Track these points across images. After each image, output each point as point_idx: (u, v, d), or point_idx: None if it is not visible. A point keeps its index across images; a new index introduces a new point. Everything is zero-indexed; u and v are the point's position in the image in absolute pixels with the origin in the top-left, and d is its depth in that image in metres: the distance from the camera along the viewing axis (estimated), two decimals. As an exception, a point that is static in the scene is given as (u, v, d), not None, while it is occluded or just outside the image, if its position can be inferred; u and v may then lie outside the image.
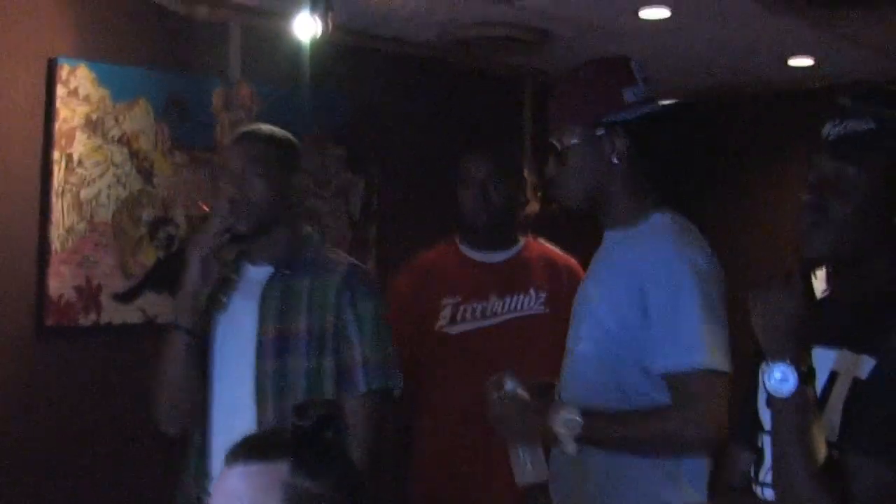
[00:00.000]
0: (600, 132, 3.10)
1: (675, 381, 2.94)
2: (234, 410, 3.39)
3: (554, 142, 3.16)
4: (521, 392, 3.17)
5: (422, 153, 5.85)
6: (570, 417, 2.99)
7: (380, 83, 5.75)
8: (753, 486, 2.49)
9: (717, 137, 7.21)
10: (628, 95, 3.12)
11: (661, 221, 3.13)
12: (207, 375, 3.44)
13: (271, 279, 3.45)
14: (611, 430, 2.99)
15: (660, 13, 5.31)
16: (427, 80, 6.03)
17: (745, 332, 2.43)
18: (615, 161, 3.10)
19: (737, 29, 5.60)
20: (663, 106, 3.19)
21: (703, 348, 2.92)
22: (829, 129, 2.39)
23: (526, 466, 3.11)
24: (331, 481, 1.84)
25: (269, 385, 3.39)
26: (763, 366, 2.29)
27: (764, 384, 2.26)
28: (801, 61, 6.33)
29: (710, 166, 7.16)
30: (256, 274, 3.49)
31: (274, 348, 3.40)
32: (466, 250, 4.13)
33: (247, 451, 1.87)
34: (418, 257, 4.27)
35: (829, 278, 2.43)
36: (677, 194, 3.32)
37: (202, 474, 3.43)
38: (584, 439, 2.97)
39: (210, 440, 3.43)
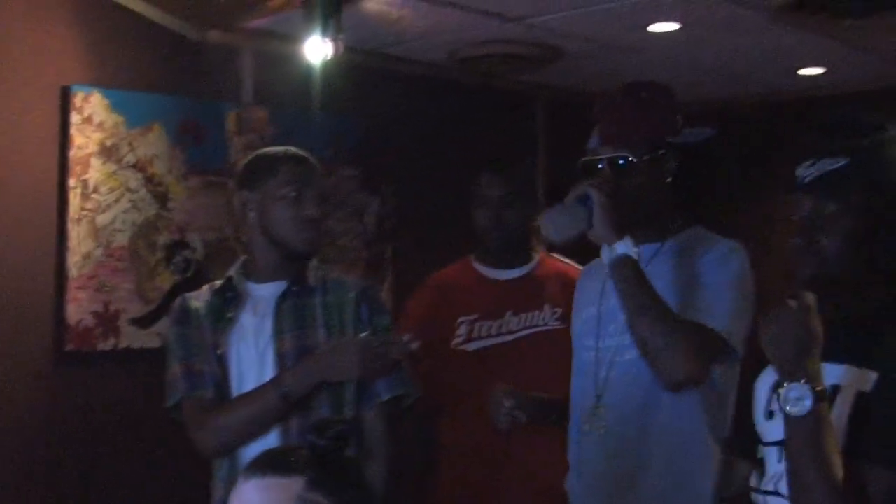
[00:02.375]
0: (662, 151, 3.23)
1: (691, 323, 3.08)
2: None
3: (614, 156, 3.21)
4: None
5: (435, 172, 5.87)
6: (629, 248, 3.08)
7: (392, 103, 5.77)
8: (753, 496, 2.53)
9: (727, 148, 7.21)
10: (679, 120, 3.29)
11: (696, 233, 3.32)
12: (228, 391, 3.47)
13: (284, 295, 3.50)
14: (647, 286, 3.07)
15: (669, 27, 5.33)
16: (439, 98, 6.05)
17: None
18: (668, 179, 3.27)
19: (746, 40, 5.61)
20: (704, 134, 3.30)
21: (726, 317, 3.09)
22: (804, 171, 2.48)
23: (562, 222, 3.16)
24: (345, 499, 1.86)
25: None
26: (766, 379, 2.36)
27: (780, 405, 2.28)
28: (812, 71, 6.33)
29: (720, 176, 7.15)
30: (263, 290, 3.54)
31: (295, 361, 3.44)
32: (481, 268, 4.14)
33: (263, 465, 1.90)
34: (433, 276, 4.28)
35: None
36: (707, 214, 3.43)
37: (234, 480, 3.46)
38: (624, 265, 3.07)
39: (240, 452, 3.46)
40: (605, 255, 3.10)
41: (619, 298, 3.09)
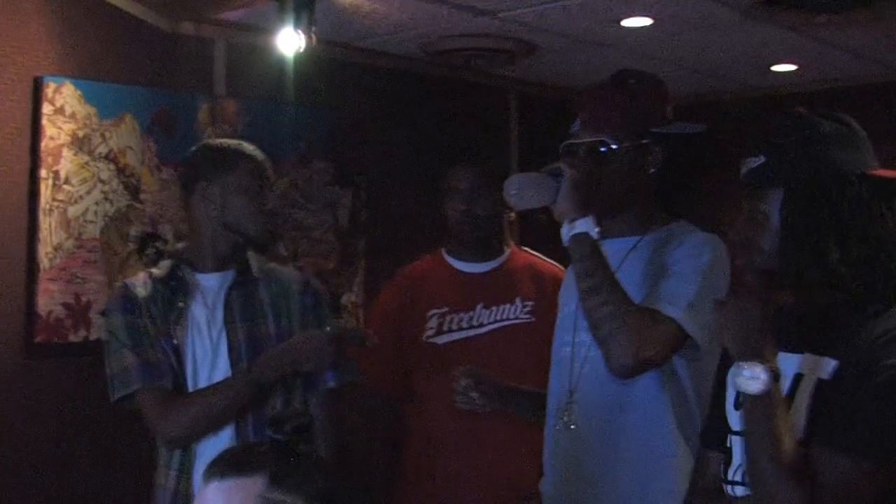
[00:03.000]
0: (646, 141, 3.18)
1: (645, 308, 3.02)
2: None
3: (594, 140, 3.19)
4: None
5: (409, 165, 5.87)
6: (590, 227, 3.02)
7: (365, 96, 5.78)
8: (724, 486, 2.55)
9: (701, 144, 7.22)
10: (668, 112, 3.25)
11: (678, 227, 3.26)
12: (183, 380, 3.50)
13: (232, 286, 3.57)
14: (604, 265, 3.00)
15: (642, 22, 5.35)
16: (412, 91, 6.06)
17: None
18: (651, 171, 3.21)
19: (719, 36, 5.64)
20: (693, 127, 3.28)
21: (684, 305, 3.00)
22: (741, 170, 2.53)
23: (528, 190, 3.11)
24: (309, 494, 1.86)
25: None
26: (733, 368, 2.36)
27: (735, 384, 2.35)
28: (785, 67, 6.37)
29: (693, 172, 7.17)
30: (210, 280, 3.58)
31: (247, 350, 3.51)
32: (452, 261, 4.14)
33: (223, 466, 1.88)
34: (404, 269, 4.29)
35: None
36: (690, 208, 3.42)
37: (187, 469, 3.50)
38: (582, 243, 2.99)
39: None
40: (565, 232, 3.01)
41: (575, 278, 3.03)
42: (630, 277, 3.13)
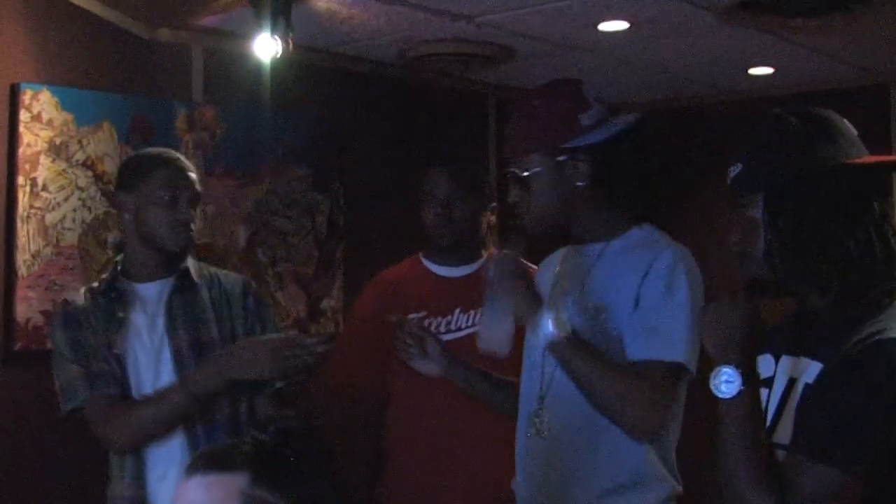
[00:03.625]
0: (562, 158, 3.16)
1: (646, 367, 3.03)
2: None
3: (515, 170, 3.21)
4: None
5: (387, 171, 5.88)
6: (566, 319, 3.08)
7: (343, 102, 5.78)
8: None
9: (679, 147, 7.25)
10: (584, 120, 3.18)
11: (642, 234, 3.24)
12: (128, 390, 3.51)
13: (172, 292, 3.58)
14: (588, 356, 3.05)
15: (619, 25, 5.35)
16: (390, 97, 6.06)
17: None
18: (579, 184, 3.17)
19: (696, 40, 5.65)
20: (619, 126, 3.25)
21: (685, 347, 3.02)
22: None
23: (493, 330, 3.18)
24: (290, 494, 1.85)
25: None
26: (712, 372, 2.38)
27: (711, 386, 2.37)
28: (761, 70, 6.39)
29: (671, 176, 7.19)
30: (149, 289, 3.60)
31: (192, 356, 3.53)
32: (430, 265, 4.15)
33: (206, 461, 1.88)
34: (382, 273, 4.29)
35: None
36: (656, 207, 3.40)
37: (139, 478, 3.52)
38: (562, 343, 3.05)
39: (144, 449, 3.52)
40: (539, 337, 3.10)
41: (567, 375, 3.09)
42: (599, 285, 3.16)
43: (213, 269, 3.75)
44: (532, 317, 3.12)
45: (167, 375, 3.52)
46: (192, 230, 3.59)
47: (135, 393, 3.51)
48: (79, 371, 3.50)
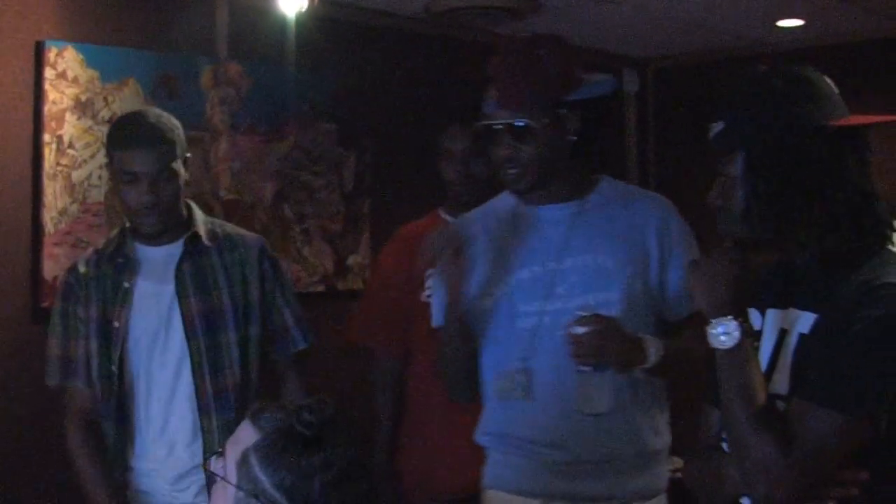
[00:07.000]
0: (563, 111, 3.16)
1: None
2: (172, 390, 3.49)
3: (512, 121, 3.17)
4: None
5: (413, 126, 5.85)
6: (658, 345, 3.11)
7: (369, 57, 5.75)
8: (723, 443, 2.56)
9: (706, 100, 7.20)
10: (579, 73, 3.21)
11: (613, 185, 3.32)
12: (123, 365, 3.49)
13: (182, 258, 3.50)
14: (686, 350, 3.10)
15: (647, -23, 5.32)
16: (416, 52, 6.03)
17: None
18: (570, 139, 3.19)
19: (723, -9, 5.61)
20: (610, 84, 3.26)
21: None
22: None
23: (598, 396, 3.12)
24: (277, 479, 1.89)
25: (205, 360, 3.46)
26: (708, 326, 2.42)
27: (709, 340, 2.41)
28: (791, 22, 6.32)
29: (700, 129, 7.14)
30: (157, 253, 3.54)
31: (203, 324, 3.47)
32: (450, 220, 4.14)
33: (258, 407, 2.00)
34: (403, 228, 4.30)
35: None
36: (602, 165, 3.42)
37: (127, 457, 3.58)
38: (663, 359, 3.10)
39: (138, 426, 3.53)
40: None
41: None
42: (586, 241, 3.16)
43: (228, 229, 3.66)
44: (460, 284, 3.14)
45: (177, 345, 3.48)
46: (155, 212, 3.45)
47: (136, 367, 3.48)
48: (57, 352, 3.55)
